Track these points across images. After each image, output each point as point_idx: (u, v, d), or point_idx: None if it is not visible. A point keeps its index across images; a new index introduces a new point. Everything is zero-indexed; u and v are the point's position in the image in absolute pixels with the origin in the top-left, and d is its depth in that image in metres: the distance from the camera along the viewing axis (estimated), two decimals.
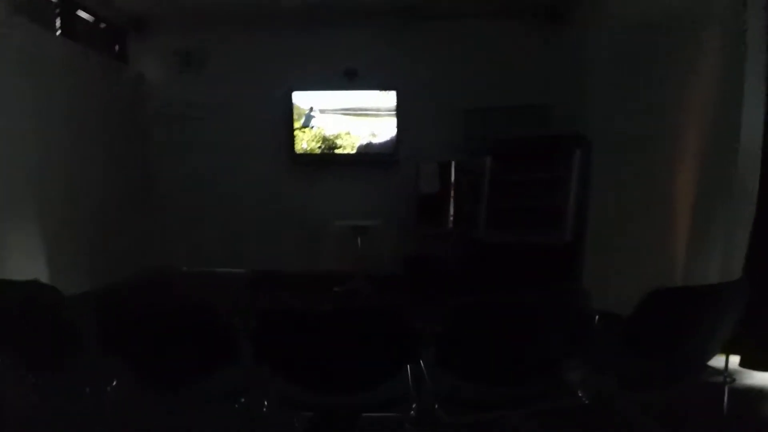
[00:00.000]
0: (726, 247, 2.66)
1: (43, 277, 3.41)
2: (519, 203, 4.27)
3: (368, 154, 4.87)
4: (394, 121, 4.80)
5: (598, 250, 3.53)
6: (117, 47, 4.91)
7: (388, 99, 4.80)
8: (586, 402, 1.37)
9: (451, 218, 4.62)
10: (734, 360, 2.38)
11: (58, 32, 4.05)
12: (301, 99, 4.83)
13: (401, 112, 4.79)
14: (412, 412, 1.36)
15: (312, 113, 4.85)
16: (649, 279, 3.01)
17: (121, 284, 4.26)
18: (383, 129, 4.84)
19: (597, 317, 1.49)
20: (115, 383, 1.44)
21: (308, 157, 4.91)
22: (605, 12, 3.91)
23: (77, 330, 1.53)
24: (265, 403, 1.43)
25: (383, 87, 4.78)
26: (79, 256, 3.91)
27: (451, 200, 4.60)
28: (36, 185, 3.46)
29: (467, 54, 4.77)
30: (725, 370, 1.60)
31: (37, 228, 3.47)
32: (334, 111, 4.85)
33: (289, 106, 4.81)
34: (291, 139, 4.86)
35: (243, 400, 1.43)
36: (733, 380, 1.69)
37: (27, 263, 3.36)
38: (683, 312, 1.38)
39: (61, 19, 4.08)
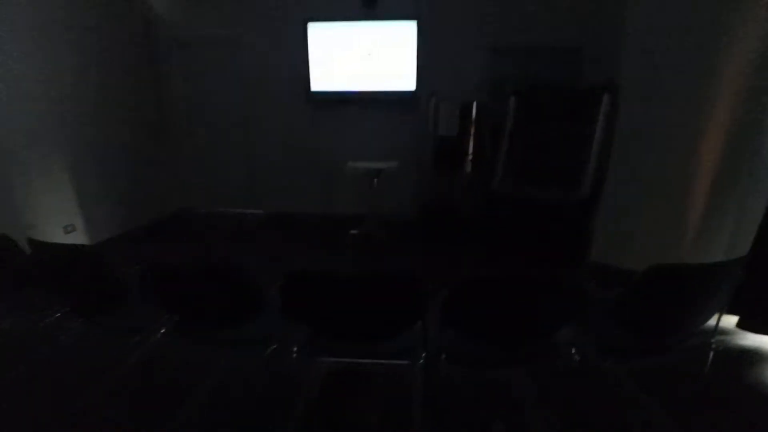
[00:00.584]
0: (739, 220, 2.72)
1: (76, 223, 3.67)
2: (540, 155, 4.17)
3: (386, 91, 4.72)
4: (414, 55, 4.58)
5: (614, 210, 3.49)
6: None
7: (409, 30, 4.53)
8: (577, 361, 1.51)
9: (469, 164, 4.59)
10: (733, 320, 2.53)
11: None
12: (317, 30, 4.60)
13: (422, 45, 4.55)
14: (421, 361, 1.52)
15: None
16: (657, 247, 3.10)
17: (150, 227, 4.51)
18: (403, 64, 4.63)
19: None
20: (163, 331, 1.63)
21: (324, 95, 4.80)
22: None
23: (121, 282, 1.70)
24: (294, 349, 1.62)
25: (404, 16, 4.49)
26: (105, 200, 4.10)
27: (470, 145, 4.54)
28: (58, 135, 3.54)
29: None
30: (713, 335, 1.69)
31: (65, 176, 3.62)
32: (352, 44, 4.63)
33: (304, 38, 4.61)
34: (306, 76, 4.73)
35: (275, 347, 1.61)
36: (720, 346, 1.81)
37: (59, 211, 3.57)
38: (675, 291, 1.45)
39: None
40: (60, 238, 3.48)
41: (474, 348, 1.55)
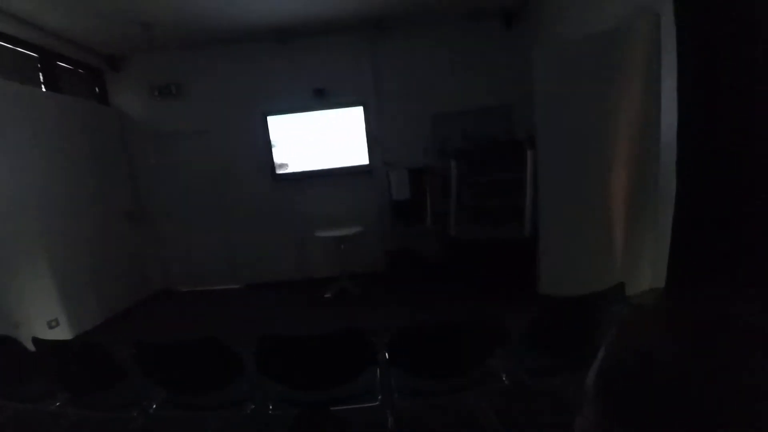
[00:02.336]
0: (656, 243, 3.05)
1: (61, 314, 3.86)
2: (484, 202, 4.80)
3: (342, 167, 5.30)
4: (364, 133, 5.21)
5: (549, 246, 3.99)
6: (97, 89, 5.21)
7: (357, 113, 5.20)
8: (508, 385, 1.88)
9: (426, 218, 5.11)
10: None
11: (43, 87, 4.36)
12: (276, 121, 5.21)
13: (370, 125, 5.21)
14: (377, 402, 1.85)
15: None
16: (593, 271, 3.57)
17: (133, 309, 4.70)
18: (355, 142, 5.25)
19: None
20: (154, 406, 1.91)
21: (288, 176, 5.33)
22: (549, 23, 4.36)
23: (116, 364, 1.98)
24: (270, 406, 1.92)
25: (351, 103, 5.18)
26: (88, 289, 4.32)
27: (426, 202, 5.09)
28: (41, 229, 3.82)
29: (430, 62, 5.18)
30: None
31: (47, 269, 3.86)
32: (307, 130, 5.25)
33: (265, 129, 5.20)
34: (270, 160, 5.27)
35: (253, 406, 1.91)
36: None
37: (44, 303, 3.77)
38: (565, 319, 1.88)
39: (43, 74, 4.39)
40: (45, 333, 3.63)
41: (419, 383, 1.90)
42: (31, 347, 2.03)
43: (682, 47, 2.78)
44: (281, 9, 4.28)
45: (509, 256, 4.34)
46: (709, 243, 2.67)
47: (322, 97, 5.21)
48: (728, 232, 2.45)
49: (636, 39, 3.16)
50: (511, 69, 4.97)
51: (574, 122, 3.68)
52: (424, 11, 4.72)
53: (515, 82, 4.92)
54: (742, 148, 2.40)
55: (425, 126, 5.27)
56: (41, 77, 4.38)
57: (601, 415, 0.44)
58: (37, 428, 1.86)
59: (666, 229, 2.93)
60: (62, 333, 3.84)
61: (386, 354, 1.86)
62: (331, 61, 5.19)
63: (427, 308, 3.99)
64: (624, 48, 3.24)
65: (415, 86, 5.21)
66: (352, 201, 5.37)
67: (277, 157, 5.29)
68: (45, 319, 3.72)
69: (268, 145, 5.25)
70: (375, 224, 5.30)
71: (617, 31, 3.28)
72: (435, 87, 5.20)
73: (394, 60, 5.20)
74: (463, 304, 4.00)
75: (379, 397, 1.89)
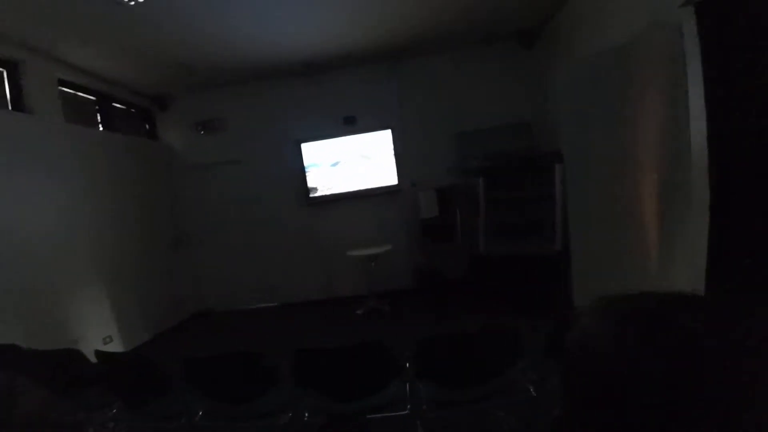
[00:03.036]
0: (692, 252, 2.97)
1: (114, 331, 4.16)
2: (512, 218, 4.79)
3: (373, 189, 5.48)
4: (392, 155, 5.39)
5: (581, 260, 3.95)
6: (147, 126, 5.70)
7: (385, 137, 5.40)
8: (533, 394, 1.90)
9: (456, 236, 5.16)
10: None
11: (100, 127, 4.83)
12: (309, 149, 5.49)
13: (398, 147, 5.39)
14: (406, 410, 1.92)
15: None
16: (627, 282, 3.50)
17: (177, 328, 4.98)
18: (384, 164, 5.44)
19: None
20: (201, 413, 2.06)
21: (320, 198, 5.56)
22: (566, 42, 4.44)
23: (165, 377, 2.16)
24: (306, 414, 2.03)
25: (379, 128, 5.40)
26: (136, 309, 4.64)
27: (454, 220, 5.15)
28: (96, 255, 4.19)
29: (451, 83, 5.35)
30: None
31: (102, 292, 4.20)
32: (339, 154, 5.49)
33: (299, 156, 5.48)
34: (304, 185, 5.53)
35: (290, 415, 2.02)
36: None
37: (99, 322, 4.09)
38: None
39: (100, 115, 4.88)
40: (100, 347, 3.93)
41: (445, 393, 1.95)
42: (92, 359, 2.25)
43: (707, 56, 2.80)
44: (309, 44, 4.57)
45: (541, 271, 4.31)
46: (746, 256, 2.60)
47: (351, 123, 5.46)
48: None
49: (656, 50, 3.18)
50: (529, 87, 5.05)
51: (600, 135, 3.68)
52: (443, 38, 4.90)
53: (534, 100, 4.98)
54: None
55: (450, 145, 5.38)
56: (99, 118, 4.87)
57: (565, 406, 0.49)
58: None
59: (701, 238, 2.89)
60: (115, 348, 4.13)
61: (411, 365, 1.94)
62: (358, 89, 5.46)
63: (455, 324, 4.00)
64: (644, 59, 3.25)
65: (438, 108, 5.38)
66: (382, 221, 5.51)
67: (311, 181, 5.53)
68: (100, 336, 4.02)
69: (301, 171, 5.51)
70: (404, 243, 5.40)
71: (636, 44, 3.31)
72: (458, 107, 5.34)
73: (417, 84, 5.41)
74: (492, 320, 3.98)
75: (408, 407, 1.95)
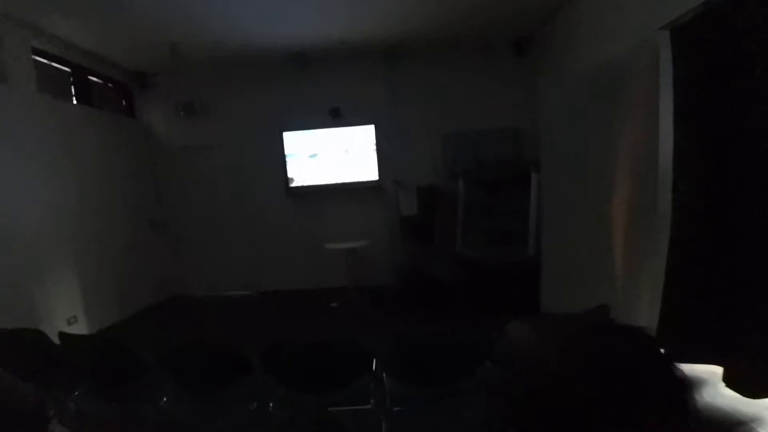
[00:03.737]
0: (655, 267, 3.03)
1: (81, 313, 4.08)
2: (489, 223, 4.91)
3: (353, 183, 5.49)
4: (374, 151, 5.42)
5: (551, 266, 4.08)
6: (124, 102, 5.53)
7: (369, 132, 5.41)
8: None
9: (435, 236, 5.25)
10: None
11: (74, 100, 4.67)
12: (291, 139, 5.45)
13: (381, 143, 5.41)
14: (369, 405, 1.98)
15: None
16: (593, 291, 3.64)
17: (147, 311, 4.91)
18: (366, 159, 5.45)
19: None
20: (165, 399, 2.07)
21: (300, 189, 5.54)
22: (556, 52, 4.54)
23: (133, 358, 2.15)
24: (271, 404, 2.06)
25: (364, 122, 5.40)
26: (108, 289, 4.55)
27: (434, 219, 5.24)
28: (67, 233, 4.07)
29: (441, 85, 5.39)
30: None
31: (72, 270, 4.10)
32: (321, 146, 5.47)
33: (281, 145, 5.44)
34: (284, 175, 5.49)
35: (255, 404, 2.05)
36: None
37: (65, 301, 3.99)
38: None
39: (75, 88, 4.71)
40: (64, 329, 3.82)
41: (414, 391, 2.02)
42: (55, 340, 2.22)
43: (678, 76, 2.92)
44: (300, 33, 4.53)
45: (513, 275, 4.44)
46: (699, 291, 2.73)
47: (337, 116, 5.44)
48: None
49: (638, 69, 3.31)
50: (519, 94, 5.15)
51: (576, 148, 3.81)
52: (436, 38, 4.93)
53: (523, 107, 5.09)
54: (736, 176, 2.48)
55: (436, 146, 5.45)
56: (73, 91, 4.69)
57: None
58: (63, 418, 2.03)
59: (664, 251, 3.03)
60: (79, 329, 4.03)
61: (379, 362, 2.00)
62: (346, 82, 5.43)
63: (429, 322, 4.09)
64: (625, 78, 3.38)
65: (426, 107, 5.42)
66: (363, 216, 5.54)
67: (291, 171, 5.50)
68: (65, 316, 3.92)
69: (283, 160, 5.47)
70: (383, 239, 5.45)
71: (619, 62, 3.42)
72: (446, 109, 5.39)
73: (407, 82, 5.42)
74: (464, 320, 4.09)
75: (371, 401, 2.01)
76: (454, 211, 5.05)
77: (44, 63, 4.23)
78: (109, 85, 5.31)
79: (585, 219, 3.76)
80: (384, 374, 2.02)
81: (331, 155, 5.48)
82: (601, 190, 3.63)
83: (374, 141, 5.41)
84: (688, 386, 0.48)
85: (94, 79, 5.03)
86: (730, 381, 2.05)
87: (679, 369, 0.49)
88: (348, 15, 4.18)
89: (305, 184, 5.54)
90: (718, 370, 2.69)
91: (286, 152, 5.47)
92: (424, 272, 5.22)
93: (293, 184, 5.53)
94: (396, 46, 5.09)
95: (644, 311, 3.28)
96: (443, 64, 5.36)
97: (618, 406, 0.42)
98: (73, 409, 2.18)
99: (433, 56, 5.33)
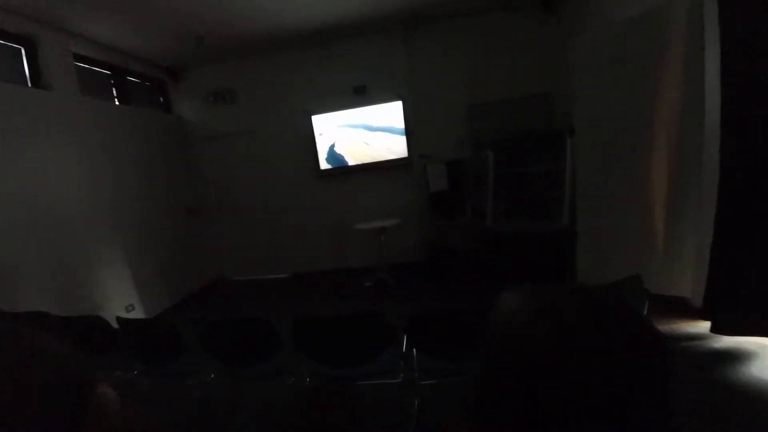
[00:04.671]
0: (700, 234, 2.97)
1: (137, 300, 4.42)
2: (521, 193, 4.79)
3: (382, 161, 5.50)
4: (402, 127, 5.38)
5: (587, 237, 3.92)
6: (161, 98, 5.80)
7: (396, 108, 5.37)
8: None
9: (465, 210, 5.20)
10: (705, 325, 2.79)
11: (116, 101, 4.95)
12: (320, 119, 5.52)
13: (408, 118, 5.36)
14: (399, 378, 2.06)
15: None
16: (633, 262, 3.45)
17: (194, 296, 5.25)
18: (394, 137, 5.43)
19: None
20: (213, 376, 2.25)
21: (331, 171, 5.64)
22: (588, 7, 4.25)
23: (181, 338, 2.34)
24: (308, 380, 2.19)
25: (390, 98, 5.35)
26: (157, 278, 4.90)
27: (463, 194, 5.18)
28: (115, 225, 4.39)
29: (466, 53, 5.20)
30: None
31: (124, 261, 4.44)
32: (349, 126, 5.50)
33: (310, 128, 5.52)
34: (315, 157, 5.59)
35: (292, 378, 2.19)
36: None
37: (121, 290, 4.34)
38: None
39: (116, 89, 4.98)
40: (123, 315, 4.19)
41: (438, 364, 2.07)
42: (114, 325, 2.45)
43: (726, 24, 2.67)
44: (320, 12, 4.50)
45: (547, 247, 4.34)
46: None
47: (362, 93, 5.43)
48: None
49: (676, 20, 3.05)
50: (550, 56, 4.88)
51: (612, 110, 3.60)
52: (459, 3, 4.74)
53: (554, 70, 4.83)
54: None
55: (462, 118, 5.31)
56: (114, 92, 4.97)
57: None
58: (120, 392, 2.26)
59: (710, 219, 2.84)
60: (137, 316, 4.39)
61: (405, 336, 2.05)
62: (370, 58, 5.38)
63: (462, 298, 4.10)
64: (663, 31, 3.13)
65: (451, 78, 5.25)
66: (392, 194, 5.56)
67: (321, 153, 5.59)
68: (122, 304, 4.28)
69: (312, 143, 5.56)
70: (414, 216, 5.46)
71: (655, 12, 3.17)
72: (471, 78, 5.21)
73: (430, 53, 5.28)
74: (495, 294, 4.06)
75: (401, 375, 2.09)
76: (485, 184, 4.95)
77: (86, 67, 4.49)
78: (146, 83, 5.56)
79: (622, 185, 3.58)
80: (413, 348, 2.08)
81: (359, 135, 5.50)
82: (639, 154, 3.44)
83: (402, 117, 5.35)
84: (669, 357, 0.44)
85: (132, 79, 5.28)
86: None
87: (661, 340, 0.45)
88: None
89: (335, 165, 5.61)
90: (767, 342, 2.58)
91: (315, 134, 5.54)
92: (455, 246, 5.21)
93: (323, 166, 5.62)
94: (417, 15, 4.93)
95: (688, 281, 3.13)
96: (466, 32, 5.15)
97: (591, 380, 0.40)
98: (130, 384, 2.43)
99: (455, 23, 5.13)
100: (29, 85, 3.73)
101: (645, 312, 2.01)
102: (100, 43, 4.46)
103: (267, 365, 2.21)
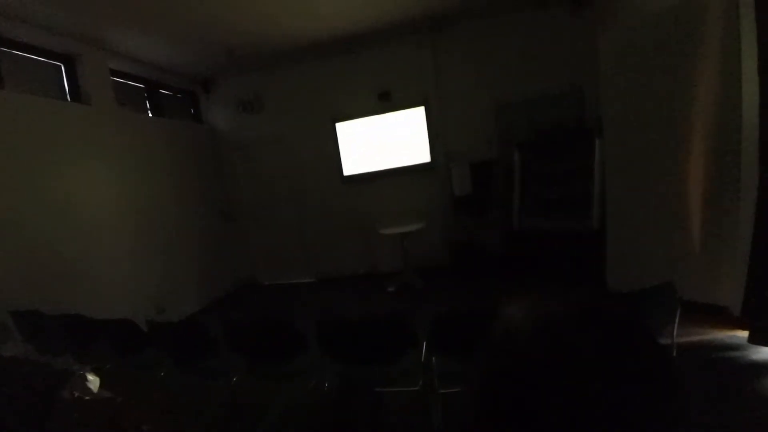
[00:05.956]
0: (738, 236, 2.81)
1: (168, 303, 4.57)
2: (549, 193, 4.67)
3: (407, 166, 5.51)
4: (426, 132, 5.38)
5: (618, 238, 3.76)
6: (192, 110, 6.02)
7: (418, 113, 5.37)
8: None
9: (491, 210, 5.12)
10: (743, 335, 2.65)
11: (149, 113, 5.18)
12: (344, 126, 5.59)
13: (432, 123, 5.35)
14: (418, 387, 2.03)
15: None
16: (667, 266, 3.32)
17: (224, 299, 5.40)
18: (418, 141, 5.43)
19: None
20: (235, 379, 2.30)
21: (355, 177, 5.70)
22: (618, 2, 4.13)
23: (212, 338, 2.41)
24: (326, 384, 2.20)
25: (413, 104, 5.37)
26: (190, 280, 5.07)
27: (489, 194, 5.10)
28: (150, 231, 4.58)
29: (492, 52, 5.12)
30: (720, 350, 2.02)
31: (156, 266, 4.62)
32: (373, 131, 5.55)
33: (334, 135, 5.61)
34: (339, 163, 5.67)
35: (314, 381, 2.20)
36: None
37: (153, 293, 4.51)
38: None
39: (149, 101, 5.21)
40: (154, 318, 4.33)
41: (458, 369, 2.03)
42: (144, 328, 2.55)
43: (761, 13, 2.54)
44: (344, 20, 4.58)
45: (576, 248, 4.21)
46: None
47: (387, 99, 5.46)
48: None
49: (712, 11, 2.91)
50: (581, 52, 4.71)
51: (643, 107, 3.46)
52: (486, 4, 4.69)
53: (586, 65, 4.67)
54: None
55: (490, 118, 5.23)
56: (148, 104, 5.21)
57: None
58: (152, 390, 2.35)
59: (749, 223, 2.69)
60: (167, 318, 4.51)
61: (426, 340, 2.03)
62: (394, 63, 5.40)
63: (488, 300, 4.02)
64: (697, 23, 2.99)
65: (478, 78, 5.19)
66: (416, 198, 5.54)
67: (345, 159, 5.65)
68: (154, 306, 4.44)
69: (336, 149, 5.64)
70: (438, 219, 5.43)
71: (688, 4, 3.03)
72: (499, 77, 5.12)
73: (456, 54, 5.24)
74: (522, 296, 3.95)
75: (420, 383, 2.06)
76: (510, 185, 4.86)
77: (121, 81, 4.73)
78: (178, 95, 5.80)
79: (655, 186, 3.43)
80: (432, 356, 2.06)
81: (382, 140, 5.53)
82: (674, 154, 3.28)
83: (425, 122, 5.35)
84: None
85: (165, 91, 5.52)
86: None
87: (664, 357, 0.44)
88: None
89: (359, 171, 5.66)
90: None
91: (339, 141, 5.62)
92: (481, 248, 5.13)
93: (347, 172, 5.68)
94: (441, 18, 4.91)
95: (725, 288, 2.96)
96: (492, 32, 5.08)
97: (589, 396, 0.40)
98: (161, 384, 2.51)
99: (481, 24, 5.07)
100: (68, 99, 3.96)
101: (677, 320, 1.91)
102: (135, 58, 4.70)
103: (291, 366, 2.24)
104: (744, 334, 2.64)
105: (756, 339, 2.57)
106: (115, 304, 3.90)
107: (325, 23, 4.54)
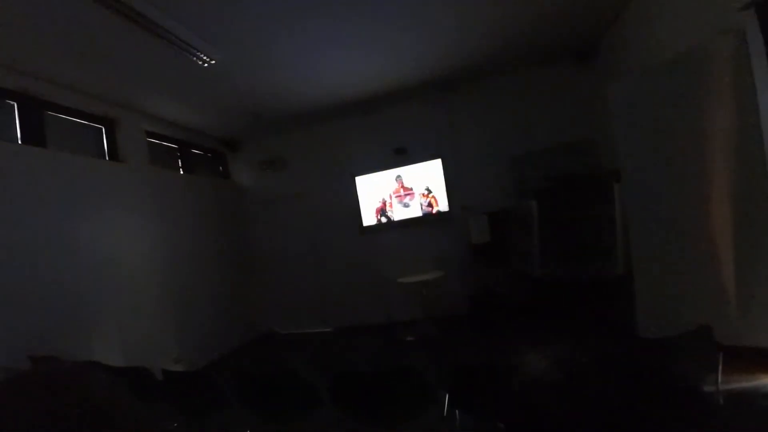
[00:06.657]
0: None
1: (185, 351, 4.53)
2: (569, 240, 4.56)
3: (424, 216, 5.55)
4: (443, 182, 5.46)
5: (647, 284, 3.62)
6: (220, 168, 6.35)
7: (436, 165, 5.49)
8: None
9: (509, 259, 5.01)
10: None
11: (181, 171, 5.48)
12: (363, 179, 5.77)
13: (448, 174, 5.45)
14: None
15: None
16: (700, 310, 3.15)
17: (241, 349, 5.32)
18: (435, 191, 5.51)
19: None
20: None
21: (373, 227, 5.75)
22: (624, 54, 4.28)
23: (222, 392, 2.34)
24: None
25: (429, 157, 5.51)
26: (204, 331, 5.05)
27: (507, 243, 5.02)
28: (175, 282, 4.68)
29: (505, 106, 5.31)
30: None
31: (177, 310, 4.66)
32: (390, 184, 5.68)
33: (353, 188, 5.76)
34: (358, 214, 5.77)
35: None
36: None
37: (168, 346, 4.48)
38: None
39: (181, 160, 5.53)
40: (171, 367, 4.27)
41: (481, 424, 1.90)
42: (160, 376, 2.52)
43: None
44: (363, 84, 4.86)
45: (601, 295, 4.03)
46: None
47: (403, 153, 5.64)
48: None
49: (721, 56, 2.97)
50: (590, 103, 4.86)
51: (662, 150, 3.45)
52: (496, 63, 4.91)
53: (596, 116, 4.79)
54: None
55: (505, 169, 5.30)
56: (180, 163, 5.52)
57: None
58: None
59: None
60: (184, 367, 4.45)
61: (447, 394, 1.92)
62: (411, 121, 5.64)
63: (509, 351, 3.82)
64: (708, 67, 3.04)
65: (492, 132, 5.34)
66: (434, 247, 5.52)
67: (364, 211, 5.75)
68: (171, 357, 4.40)
69: (356, 201, 5.77)
70: (456, 268, 5.34)
71: (697, 52, 3.11)
72: (512, 130, 5.26)
73: (471, 110, 5.44)
74: (546, 347, 3.74)
75: None
76: (529, 234, 4.78)
77: (156, 142, 5.07)
78: (208, 155, 6.15)
79: (679, 228, 3.32)
80: (455, 409, 1.94)
81: (400, 192, 5.63)
82: (695, 194, 3.21)
83: (442, 173, 5.45)
84: None
85: (196, 151, 5.87)
86: None
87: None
88: (405, 60, 4.39)
89: (377, 222, 5.72)
90: None
91: (358, 194, 5.76)
92: (500, 297, 4.96)
93: (366, 223, 5.75)
94: (455, 79, 5.18)
95: (761, 329, 2.74)
96: (504, 87, 5.29)
97: None
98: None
99: (494, 79, 5.30)
100: (107, 158, 4.25)
101: (720, 366, 1.76)
102: (169, 121, 5.07)
103: (305, 423, 2.14)
104: None
105: None
106: (134, 353, 3.90)
107: (345, 87, 4.84)
